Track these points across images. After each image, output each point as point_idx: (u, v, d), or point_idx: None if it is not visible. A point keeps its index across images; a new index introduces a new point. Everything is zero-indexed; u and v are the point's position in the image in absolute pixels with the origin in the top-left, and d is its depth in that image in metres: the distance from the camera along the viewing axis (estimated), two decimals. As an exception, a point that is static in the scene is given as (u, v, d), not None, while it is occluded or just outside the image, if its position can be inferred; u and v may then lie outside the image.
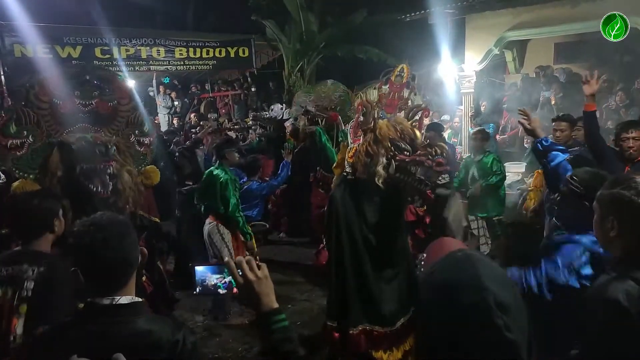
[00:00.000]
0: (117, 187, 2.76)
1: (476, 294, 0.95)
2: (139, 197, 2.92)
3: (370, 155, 2.86)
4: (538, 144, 2.86)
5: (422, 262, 1.52)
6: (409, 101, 3.32)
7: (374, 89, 3.30)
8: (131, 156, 3.01)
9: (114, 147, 2.75)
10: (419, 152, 2.83)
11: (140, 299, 1.50)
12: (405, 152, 2.84)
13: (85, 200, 2.67)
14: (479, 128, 6.06)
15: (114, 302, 1.41)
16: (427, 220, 3.63)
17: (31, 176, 2.70)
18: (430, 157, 2.79)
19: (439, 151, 2.77)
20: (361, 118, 3.07)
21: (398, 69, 3.30)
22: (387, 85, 3.24)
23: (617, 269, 1.54)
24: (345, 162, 3.09)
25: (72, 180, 2.66)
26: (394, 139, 2.88)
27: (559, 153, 2.82)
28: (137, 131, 3.12)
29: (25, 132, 2.70)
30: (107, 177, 2.70)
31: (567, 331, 1.73)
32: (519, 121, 3.24)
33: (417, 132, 2.94)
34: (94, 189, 2.65)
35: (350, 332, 2.92)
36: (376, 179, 2.82)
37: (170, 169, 5.86)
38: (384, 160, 2.84)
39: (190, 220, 5.52)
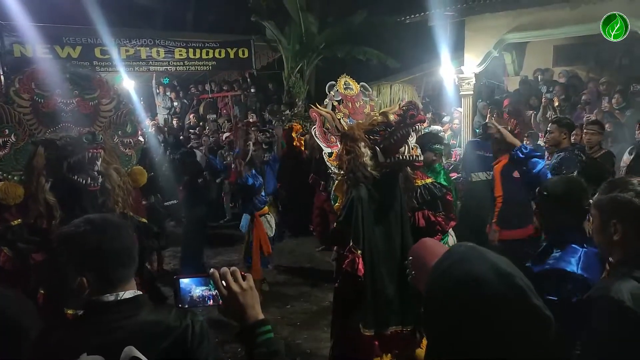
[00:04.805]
0: (105, 186, 2.69)
1: (506, 281, 0.94)
2: (127, 196, 2.86)
3: (351, 152, 2.85)
4: (518, 152, 2.87)
5: (410, 265, 1.52)
6: (373, 107, 3.32)
7: (325, 101, 3.24)
8: (117, 156, 2.94)
9: (101, 136, 2.67)
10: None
11: (141, 292, 1.49)
12: (382, 132, 2.83)
13: (75, 198, 2.58)
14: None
15: (118, 298, 1.40)
16: (449, 226, 3.51)
17: (15, 177, 2.61)
18: (402, 115, 2.73)
19: (406, 107, 2.71)
20: (327, 126, 3.07)
21: (342, 82, 3.28)
22: (340, 97, 3.23)
23: (619, 270, 1.55)
24: (329, 164, 3.07)
25: (59, 178, 2.58)
26: (368, 130, 2.88)
27: (539, 160, 2.85)
28: (120, 132, 3.05)
29: (7, 131, 2.62)
30: (93, 167, 2.59)
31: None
32: (495, 128, 3.21)
33: (390, 115, 2.87)
34: (82, 181, 2.55)
35: (387, 333, 2.88)
36: (369, 170, 2.81)
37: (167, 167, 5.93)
38: (368, 151, 2.84)
39: (195, 222, 5.56)
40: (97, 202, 2.66)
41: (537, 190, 2.25)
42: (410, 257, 1.54)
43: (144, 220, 3.03)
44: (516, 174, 4.42)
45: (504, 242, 4.32)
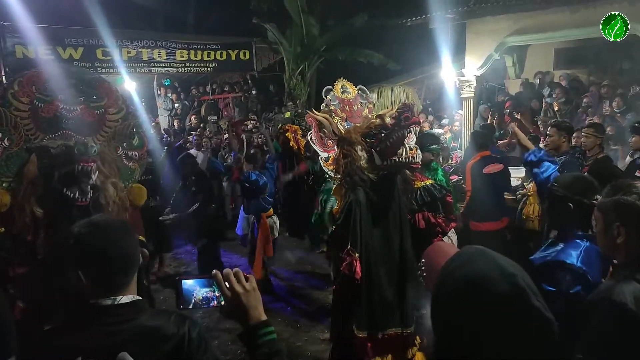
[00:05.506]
0: (99, 201, 2.53)
1: (508, 281, 0.96)
2: (123, 213, 2.69)
3: (348, 155, 2.85)
4: (532, 155, 2.96)
5: (423, 267, 1.53)
6: (372, 110, 3.31)
7: (324, 106, 3.23)
8: (118, 169, 2.78)
9: (95, 148, 2.51)
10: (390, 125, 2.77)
11: (140, 297, 1.48)
12: (378, 135, 2.83)
13: (63, 212, 2.44)
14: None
15: (115, 302, 1.39)
16: (449, 227, 3.52)
17: (4, 184, 2.48)
18: (396, 117, 2.72)
19: (401, 110, 2.70)
20: (323, 131, 3.07)
21: (339, 87, 3.28)
22: (337, 101, 3.22)
23: (622, 273, 1.55)
24: (326, 169, 3.06)
25: (49, 189, 2.45)
26: (365, 133, 2.89)
27: (550, 164, 2.94)
28: (125, 144, 2.91)
29: (0, 134, 2.50)
30: (86, 181, 2.44)
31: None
32: (513, 131, 3.30)
33: (386, 118, 2.86)
34: (71, 195, 2.41)
35: (380, 336, 2.89)
36: (366, 173, 2.81)
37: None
38: (364, 154, 2.84)
39: (206, 221, 5.56)
40: (87, 217, 2.60)
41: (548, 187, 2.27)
42: (423, 260, 1.55)
43: (142, 238, 2.91)
44: (486, 171, 4.78)
45: (479, 233, 4.68)
